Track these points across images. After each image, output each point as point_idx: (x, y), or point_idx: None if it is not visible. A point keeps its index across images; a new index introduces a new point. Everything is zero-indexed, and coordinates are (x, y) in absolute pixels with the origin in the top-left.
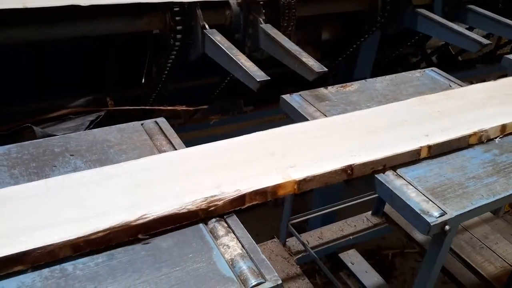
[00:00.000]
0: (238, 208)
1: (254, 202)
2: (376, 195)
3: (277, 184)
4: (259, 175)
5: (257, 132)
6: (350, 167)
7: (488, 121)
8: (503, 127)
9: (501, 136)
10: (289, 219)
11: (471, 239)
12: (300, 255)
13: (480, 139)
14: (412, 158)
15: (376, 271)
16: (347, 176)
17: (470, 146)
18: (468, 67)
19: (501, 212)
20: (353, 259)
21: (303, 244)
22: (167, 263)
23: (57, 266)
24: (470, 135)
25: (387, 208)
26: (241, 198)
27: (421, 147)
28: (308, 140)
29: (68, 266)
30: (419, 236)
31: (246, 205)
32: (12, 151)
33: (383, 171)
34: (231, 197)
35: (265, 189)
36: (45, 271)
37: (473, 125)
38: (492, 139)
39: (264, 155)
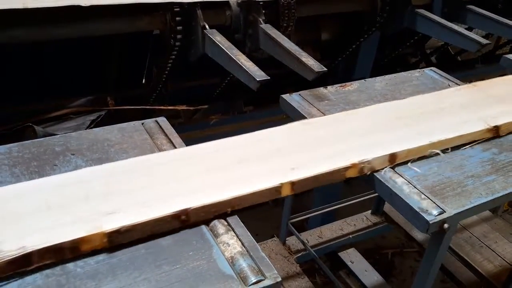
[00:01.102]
0: (22, 270)
1: (47, 262)
2: (376, 194)
3: (79, 238)
4: (59, 226)
5: (74, 171)
6: (185, 212)
7: (375, 150)
8: (393, 156)
9: (390, 166)
10: (289, 218)
11: (470, 238)
12: (300, 254)
13: (361, 172)
14: (270, 198)
15: (376, 270)
16: (180, 223)
17: (349, 179)
18: (468, 67)
19: (500, 210)
20: (352, 258)
21: (303, 243)
22: (167, 261)
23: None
24: (347, 168)
25: (387, 207)
26: (26, 258)
27: (281, 184)
28: (136, 180)
29: (69, 264)
30: (418, 236)
31: (35, 266)
32: (14, 150)
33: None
34: (11, 257)
35: (61, 245)
36: (46, 269)
37: (354, 155)
38: (377, 171)
39: (74, 200)
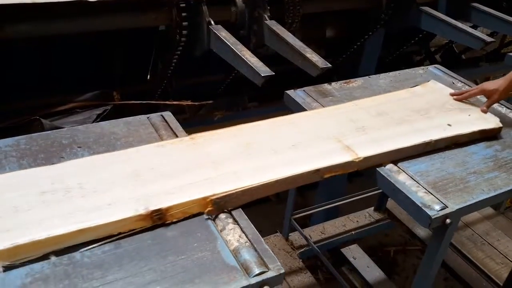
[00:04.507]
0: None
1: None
2: (379, 190)
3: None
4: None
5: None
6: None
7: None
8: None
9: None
10: (292, 214)
11: (472, 236)
12: (302, 250)
13: None
14: None
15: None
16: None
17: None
18: (472, 65)
19: (502, 208)
20: (355, 254)
21: (306, 238)
22: (172, 251)
23: (65, 254)
24: None
25: (390, 204)
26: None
27: None
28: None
29: (76, 253)
30: (421, 233)
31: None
32: (21, 142)
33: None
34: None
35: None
36: (54, 258)
37: None
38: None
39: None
